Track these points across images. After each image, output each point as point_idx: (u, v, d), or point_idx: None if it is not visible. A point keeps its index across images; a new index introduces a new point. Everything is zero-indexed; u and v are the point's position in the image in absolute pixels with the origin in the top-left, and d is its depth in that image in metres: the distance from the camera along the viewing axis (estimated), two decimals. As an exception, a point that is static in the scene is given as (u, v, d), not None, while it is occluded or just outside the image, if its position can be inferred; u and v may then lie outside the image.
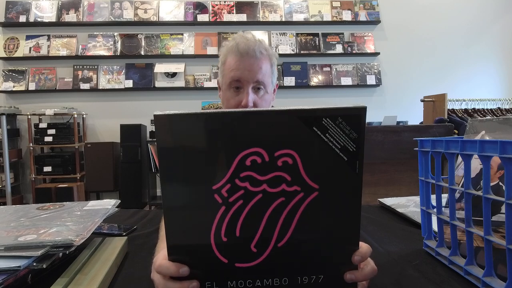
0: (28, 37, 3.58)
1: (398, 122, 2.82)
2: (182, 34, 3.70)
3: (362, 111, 0.40)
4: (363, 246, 0.45)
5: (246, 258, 0.44)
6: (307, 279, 0.45)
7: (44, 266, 0.49)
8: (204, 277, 0.44)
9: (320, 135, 0.40)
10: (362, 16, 3.80)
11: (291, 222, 0.42)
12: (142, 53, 3.63)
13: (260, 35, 3.76)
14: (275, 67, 1.03)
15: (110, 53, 3.60)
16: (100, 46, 3.63)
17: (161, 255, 0.46)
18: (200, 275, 0.44)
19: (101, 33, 3.65)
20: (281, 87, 3.64)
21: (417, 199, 0.97)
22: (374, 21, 3.81)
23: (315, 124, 0.40)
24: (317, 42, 3.79)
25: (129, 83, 3.60)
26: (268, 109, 0.42)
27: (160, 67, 3.62)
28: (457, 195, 0.58)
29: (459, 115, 2.45)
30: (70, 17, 3.58)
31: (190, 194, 0.42)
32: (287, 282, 0.45)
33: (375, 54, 3.81)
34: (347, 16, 3.78)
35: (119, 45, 3.63)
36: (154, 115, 0.39)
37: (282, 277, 0.44)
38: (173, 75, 3.64)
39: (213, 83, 3.63)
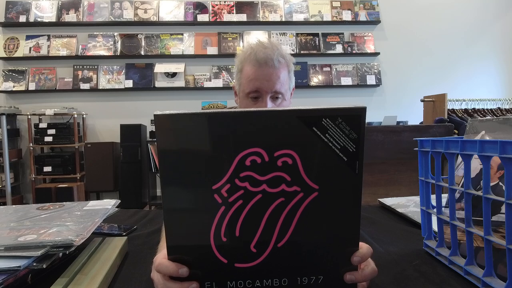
0: (28, 37, 3.58)
1: (398, 122, 2.82)
2: (182, 34, 3.70)
3: (362, 111, 0.40)
4: (363, 247, 0.45)
5: (246, 258, 0.44)
6: (307, 280, 0.45)
7: (44, 266, 0.49)
8: (204, 277, 0.44)
9: (319, 135, 0.40)
10: (362, 16, 3.80)
11: (290, 223, 0.42)
12: (142, 53, 3.63)
13: (260, 35, 3.76)
14: (292, 72, 1.02)
15: (110, 53, 3.60)
16: (100, 46, 3.63)
17: (161, 254, 0.46)
18: (200, 275, 0.44)
19: (101, 33, 3.65)
20: (281, 87, 3.63)
21: (417, 199, 0.97)
22: (374, 21, 3.81)
23: (315, 124, 0.40)
24: (317, 42, 3.79)
25: (129, 83, 3.60)
26: (268, 109, 0.42)
27: (160, 67, 3.62)
28: (457, 195, 0.58)
29: (459, 115, 2.45)
30: (70, 17, 3.58)
31: (190, 194, 0.42)
32: (287, 283, 0.44)
33: (375, 54, 3.81)
34: (347, 16, 3.78)
35: (119, 45, 3.63)
36: (154, 115, 0.39)
37: (282, 277, 0.44)
38: (173, 75, 3.64)
39: (213, 83, 3.63)
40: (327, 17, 3.76)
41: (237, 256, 0.44)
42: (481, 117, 2.43)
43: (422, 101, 2.44)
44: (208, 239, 0.43)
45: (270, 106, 0.94)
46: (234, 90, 1.07)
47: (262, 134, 0.40)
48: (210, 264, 0.44)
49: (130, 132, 3.29)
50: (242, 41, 3.72)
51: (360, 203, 0.43)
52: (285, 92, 0.98)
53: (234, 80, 1.05)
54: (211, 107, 3.64)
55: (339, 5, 3.80)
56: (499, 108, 2.61)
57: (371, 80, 3.79)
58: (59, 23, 3.59)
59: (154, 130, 3.51)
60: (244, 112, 0.41)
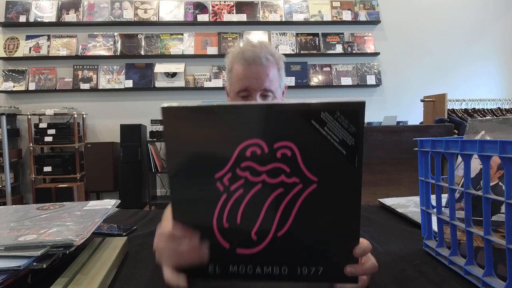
0: (28, 37, 3.58)
1: (398, 122, 2.82)
2: (182, 34, 3.70)
3: (360, 105, 0.40)
4: (364, 242, 0.46)
5: (247, 245, 0.45)
6: (307, 270, 0.45)
7: (44, 266, 0.49)
8: (208, 260, 0.46)
9: (318, 128, 0.41)
10: (362, 16, 3.80)
11: (290, 213, 0.44)
12: (142, 53, 3.63)
13: (260, 35, 3.76)
14: (283, 70, 1.02)
15: (110, 53, 3.60)
16: (100, 46, 3.63)
17: (165, 223, 0.49)
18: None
19: (101, 33, 3.65)
20: (281, 87, 3.63)
21: (417, 199, 0.97)
22: (374, 21, 3.81)
23: (314, 117, 0.41)
24: (317, 42, 3.79)
25: (129, 83, 3.60)
26: (268, 103, 0.43)
27: (160, 67, 3.62)
28: (457, 195, 0.58)
29: (459, 115, 2.45)
30: (70, 17, 3.58)
31: (194, 182, 0.45)
32: (287, 272, 0.46)
33: (375, 54, 3.81)
34: (347, 16, 3.78)
35: (119, 45, 3.63)
36: (162, 108, 0.42)
37: (282, 265, 0.46)
38: (173, 75, 3.64)
39: (213, 83, 3.63)
40: (327, 17, 3.76)
41: (238, 243, 0.46)
42: (481, 117, 2.43)
43: (422, 101, 2.44)
44: (211, 225, 0.45)
45: None
46: (226, 90, 1.08)
47: (262, 126, 0.42)
48: (214, 248, 0.46)
49: (130, 132, 3.29)
50: (242, 41, 3.72)
51: (360, 197, 0.43)
52: (275, 90, 0.98)
53: (225, 81, 1.06)
54: (211, 107, 3.63)
55: (339, 5, 3.80)
56: (499, 108, 2.61)
57: (371, 80, 3.79)
58: (59, 23, 3.59)
59: (154, 130, 3.47)
60: (245, 105, 0.43)
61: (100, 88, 3.59)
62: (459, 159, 0.63)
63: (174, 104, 0.42)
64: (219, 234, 0.45)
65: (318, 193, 0.43)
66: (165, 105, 0.42)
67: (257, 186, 0.43)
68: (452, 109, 2.46)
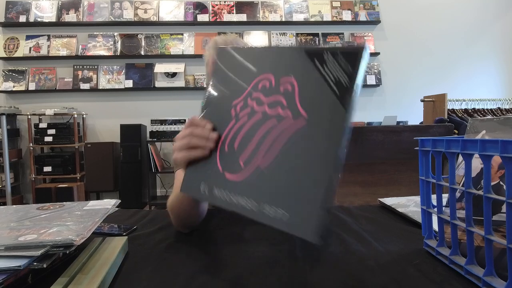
0: (28, 37, 3.58)
1: (398, 122, 2.82)
2: (182, 34, 3.70)
3: (361, 49, 0.42)
4: None
5: (233, 170, 0.49)
6: (272, 212, 0.43)
7: (44, 265, 0.49)
8: (201, 177, 0.52)
9: (318, 66, 0.44)
10: (362, 16, 3.80)
11: (276, 147, 0.46)
12: (142, 53, 3.63)
13: (260, 35, 3.76)
14: None
15: (110, 53, 3.60)
16: (100, 46, 3.63)
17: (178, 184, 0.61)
18: (200, 175, 0.52)
19: (101, 33, 3.65)
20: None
21: (417, 199, 0.97)
22: (374, 21, 3.82)
23: (317, 57, 0.45)
24: (317, 42, 3.79)
25: (129, 83, 3.60)
26: (284, 46, 0.53)
27: (160, 67, 3.62)
28: (457, 194, 0.58)
29: (459, 115, 2.45)
30: (70, 17, 3.58)
31: (219, 106, 0.54)
32: (255, 209, 0.45)
33: (375, 54, 3.81)
34: (347, 16, 3.78)
35: (119, 45, 3.63)
36: (218, 48, 0.59)
37: (251, 199, 0.46)
38: (173, 75, 3.64)
39: (213, 83, 3.63)
40: (327, 17, 3.76)
41: (229, 168, 0.49)
42: (481, 117, 2.43)
43: (422, 101, 2.44)
44: (216, 147, 0.51)
45: None
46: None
47: (274, 63, 0.49)
48: (210, 168, 0.51)
49: (130, 132, 3.29)
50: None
51: (343, 144, 0.40)
52: None
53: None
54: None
55: (339, 5, 3.81)
56: (499, 108, 2.61)
57: (371, 80, 3.80)
58: (59, 23, 3.59)
59: (154, 130, 3.47)
60: (265, 48, 0.54)
61: (100, 88, 3.59)
62: (460, 158, 0.63)
63: (229, 46, 0.59)
64: (219, 156, 0.50)
65: (305, 132, 0.44)
66: (222, 46, 0.59)
67: (258, 115, 0.48)
68: (452, 109, 2.46)
